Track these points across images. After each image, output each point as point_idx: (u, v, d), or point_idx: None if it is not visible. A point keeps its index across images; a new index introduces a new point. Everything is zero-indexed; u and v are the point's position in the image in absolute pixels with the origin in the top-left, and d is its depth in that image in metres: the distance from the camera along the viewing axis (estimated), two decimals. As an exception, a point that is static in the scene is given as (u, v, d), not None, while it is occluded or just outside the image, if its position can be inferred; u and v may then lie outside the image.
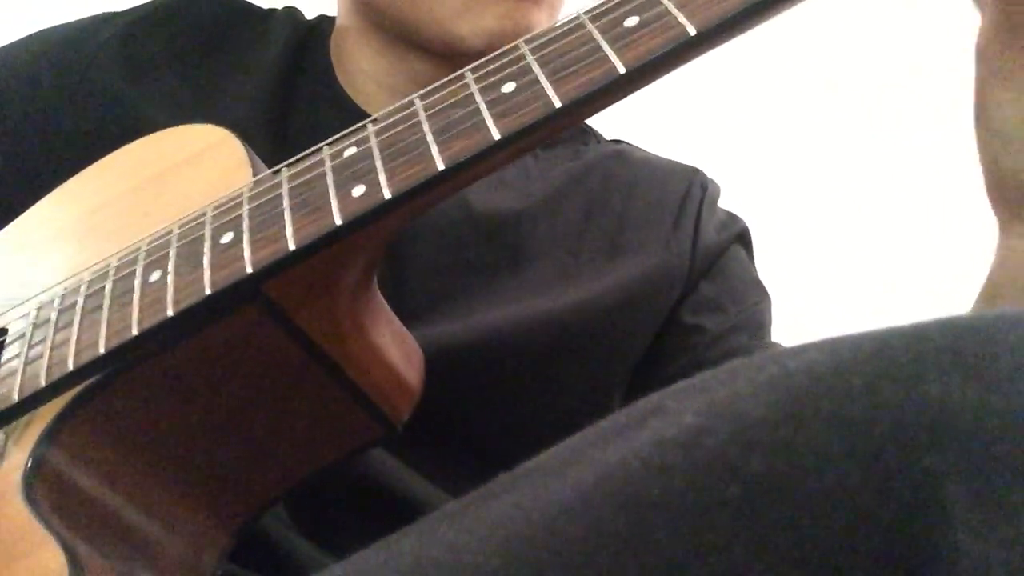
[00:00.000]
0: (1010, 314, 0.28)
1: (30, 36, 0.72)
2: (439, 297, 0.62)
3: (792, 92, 1.36)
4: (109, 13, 0.72)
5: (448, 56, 0.63)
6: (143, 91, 0.66)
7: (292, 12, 0.73)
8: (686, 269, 0.67)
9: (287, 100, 0.66)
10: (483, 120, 0.40)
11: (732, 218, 0.72)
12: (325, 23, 0.72)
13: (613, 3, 0.41)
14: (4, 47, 0.72)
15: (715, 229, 0.69)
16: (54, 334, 0.44)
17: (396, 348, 0.49)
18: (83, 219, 0.52)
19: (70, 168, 0.63)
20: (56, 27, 0.72)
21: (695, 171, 0.73)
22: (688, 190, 0.70)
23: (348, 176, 0.42)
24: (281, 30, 0.70)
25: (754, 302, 0.69)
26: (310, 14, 0.74)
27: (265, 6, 0.74)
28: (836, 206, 1.36)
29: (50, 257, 0.51)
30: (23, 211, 0.62)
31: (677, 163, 0.73)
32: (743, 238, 0.72)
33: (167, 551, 0.45)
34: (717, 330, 0.66)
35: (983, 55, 0.38)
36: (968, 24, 0.40)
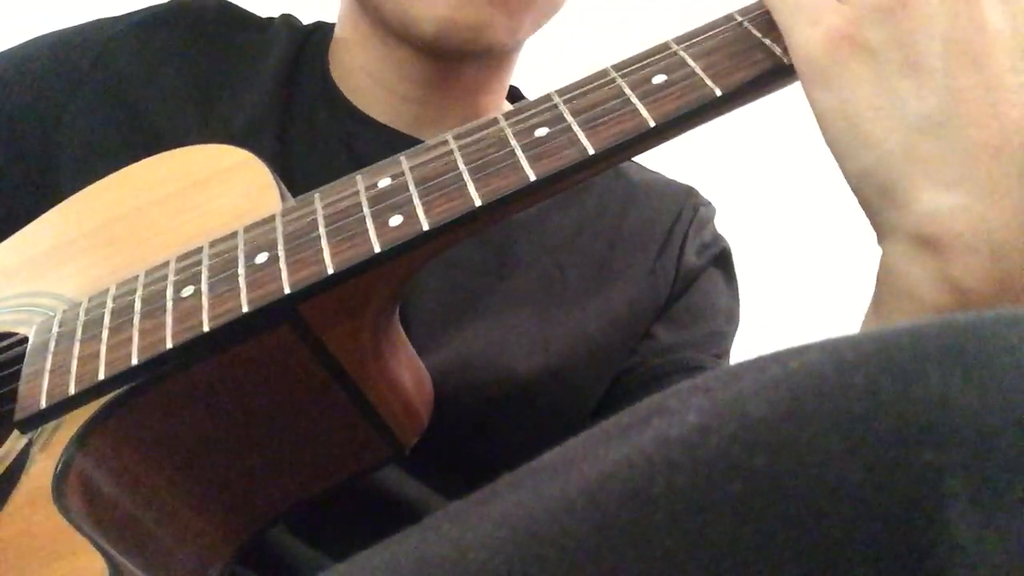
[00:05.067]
0: (1009, 314, 0.29)
1: (29, 41, 0.72)
2: (429, 293, 0.62)
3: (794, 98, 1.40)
4: (110, 17, 0.73)
5: (418, 46, 0.64)
6: (151, 85, 0.67)
7: (289, 19, 0.74)
8: (667, 293, 0.68)
9: (287, 105, 0.67)
10: (518, 161, 0.43)
11: (715, 240, 0.73)
12: (322, 28, 0.73)
13: (640, 62, 0.45)
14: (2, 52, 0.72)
15: (696, 252, 0.71)
16: (81, 343, 0.45)
17: (410, 375, 0.50)
18: (103, 229, 0.53)
19: (74, 166, 0.64)
20: (56, 31, 0.73)
21: (689, 192, 0.74)
22: (680, 213, 0.71)
23: (385, 207, 0.44)
24: (279, 38, 0.71)
25: (716, 327, 0.70)
26: (307, 20, 0.76)
27: (263, 13, 0.76)
28: (833, 210, 1.37)
29: (68, 265, 0.52)
30: (27, 211, 0.63)
31: (673, 183, 0.74)
32: (721, 260, 0.72)
33: (178, 562, 0.45)
34: (668, 341, 0.67)
35: (801, 64, 0.40)
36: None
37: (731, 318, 0.73)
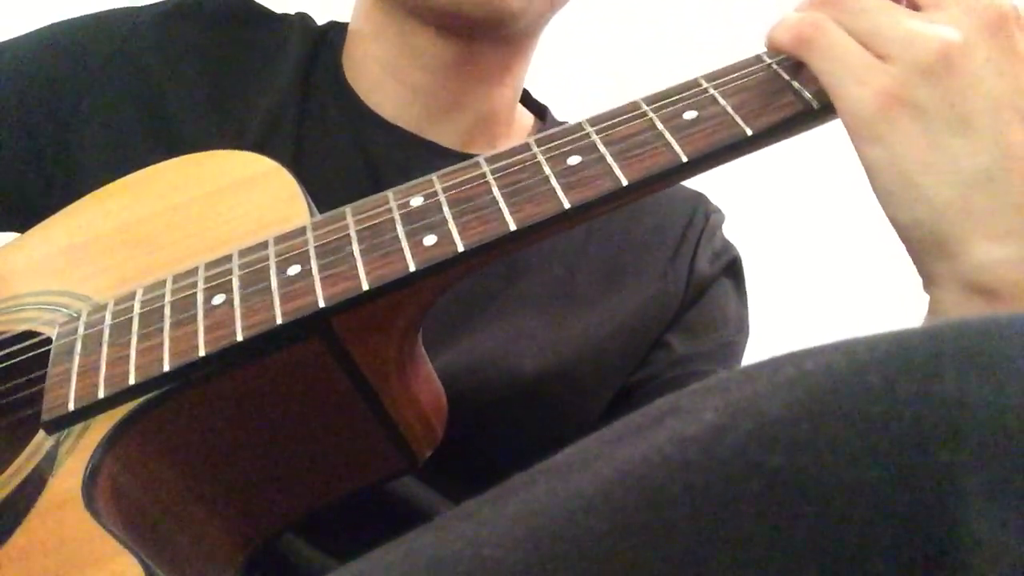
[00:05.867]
0: (1023, 316, 0.29)
1: (43, 28, 0.72)
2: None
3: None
4: (132, 8, 0.73)
5: (448, 28, 0.64)
6: (172, 77, 0.68)
7: (304, 18, 0.75)
8: (679, 300, 0.69)
9: (301, 106, 0.68)
10: (553, 189, 0.44)
11: (726, 248, 0.74)
12: (336, 28, 0.74)
13: (671, 97, 0.46)
14: (16, 38, 0.72)
15: (708, 260, 0.71)
16: (109, 347, 0.45)
17: (427, 389, 0.51)
18: (126, 229, 0.53)
19: (93, 156, 0.64)
20: (72, 18, 0.72)
21: (699, 197, 0.75)
22: (691, 219, 0.72)
23: (419, 226, 0.45)
24: (295, 38, 0.71)
25: (728, 337, 0.71)
26: (321, 18, 0.76)
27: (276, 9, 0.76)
28: (840, 213, 1.36)
29: (90, 265, 0.52)
30: (40, 200, 0.62)
31: (683, 188, 0.74)
32: (732, 269, 0.73)
33: (193, 567, 0.46)
34: (683, 351, 0.68)
35: (850, 121, 0.41)
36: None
37: (741, 328, 0.74)
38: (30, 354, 0.49)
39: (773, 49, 0.45)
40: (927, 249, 0.40)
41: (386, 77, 0.68)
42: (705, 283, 0.71)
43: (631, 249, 0.69)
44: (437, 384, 0.53)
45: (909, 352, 0.28)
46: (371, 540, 0.35)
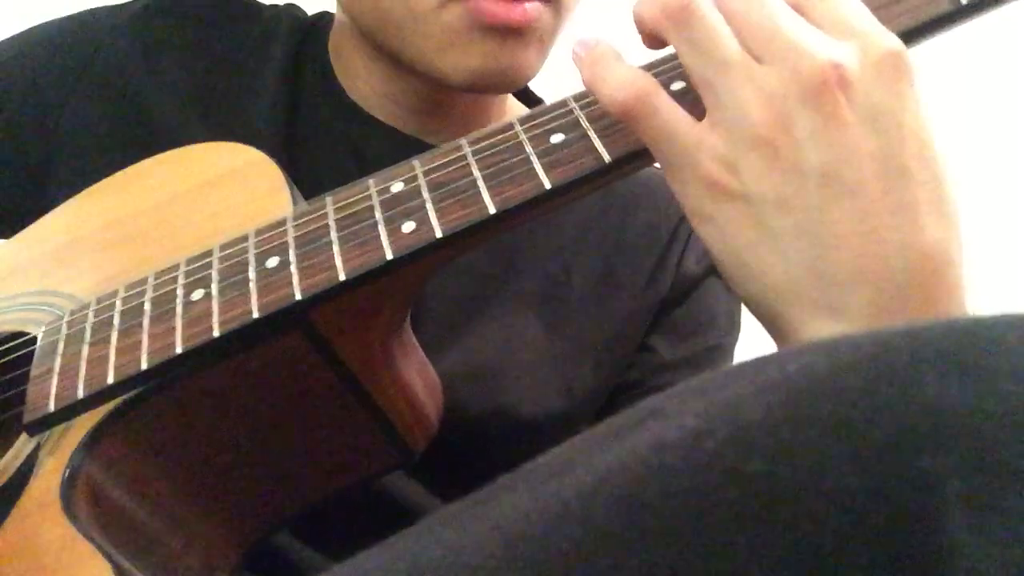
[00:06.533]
0: (1009, 317, 0.28)
1: (24, 31, 0.72)
2: (436, 297, 0.62)
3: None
4: (111, 6, 0.72)
5: (435, 84, 0.63)
6: (152, 76, 0.66)
7: (292, 10, 0.73)
8: (662, 299, 0.68)
9: (293, 103, 0.66)
10: (534, 169, 0.42)
11: None
12: (325, 20, 0.71)
13: (659, 67, 0.44)
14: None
15: (696, 258, 0.70)
16: (90, 346, 0.45)
17: (421, 380, 0.50)
18: (112, 227, 0.52)
19: (75, 159, 0.64)
20: (53, 20, 0.72)
21: None
22: (683, 216, 0.71)
23: (397, 212, 0.44)
24: (282, 32, 0.69)
25: (716, 340, 0.70)
26: (311, 9, 0.74)
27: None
28: None
29: (77, 264, 0.51)
30: (28, 204, 0.62)
31: None
32: None
33: (184, 568, 0.45)
34: (669, 356, 0.67)
35: (682, 202, 0.41)
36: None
37: (732, 325, 0.72)
38: (16, 354, 0.49)
39: None
40: (765, 324, 0.39)
41: (375, 95, 0.66)
42: (692, 282, 0.69)
43: (625, 249, 0.67)
44: (431, 373, 0.51)
45: (891, 354, 0.27)
46: (369, 541, 0.34)
